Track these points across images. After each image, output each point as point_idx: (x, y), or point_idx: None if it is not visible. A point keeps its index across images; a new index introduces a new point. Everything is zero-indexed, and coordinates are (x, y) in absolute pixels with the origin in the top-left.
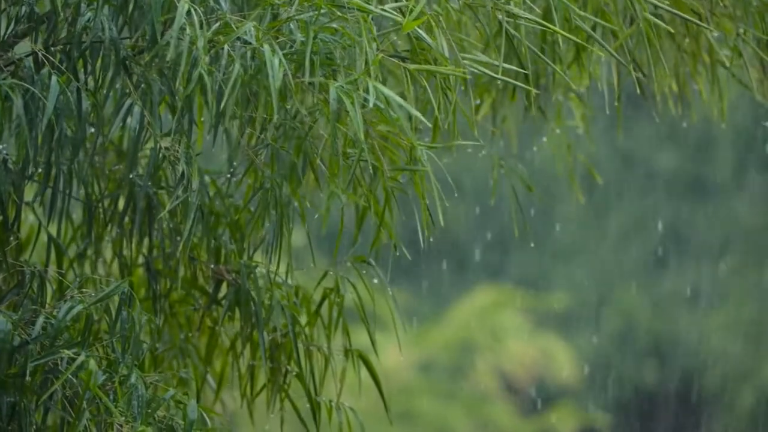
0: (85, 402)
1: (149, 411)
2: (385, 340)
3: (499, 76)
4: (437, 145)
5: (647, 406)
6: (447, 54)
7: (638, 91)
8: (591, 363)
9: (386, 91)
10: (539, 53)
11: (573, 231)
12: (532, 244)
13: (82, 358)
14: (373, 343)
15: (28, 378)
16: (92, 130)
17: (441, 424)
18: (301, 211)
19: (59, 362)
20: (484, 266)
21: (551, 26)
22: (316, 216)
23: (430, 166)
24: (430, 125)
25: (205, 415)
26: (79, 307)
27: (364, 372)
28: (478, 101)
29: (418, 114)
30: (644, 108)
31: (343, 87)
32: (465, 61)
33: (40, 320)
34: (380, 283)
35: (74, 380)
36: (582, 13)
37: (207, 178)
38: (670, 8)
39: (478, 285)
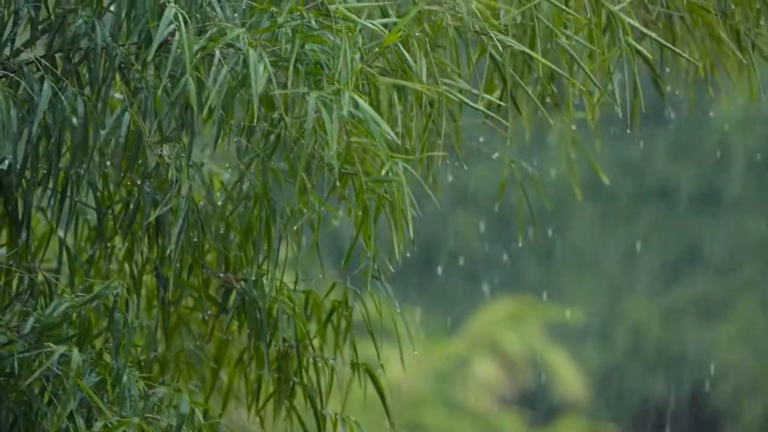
0: (71, 396)
1: (141, 409)
2: (394, 352)
3: (479, 107)
4: (410, 158)
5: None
6: (424, 76)
7: (658, 92)
8: (599, 374)
9: (363, 104)
10: (519, 80)
11: (585, 243)
12: (539, 253)
13: (63, 349)
14: (379, 358)
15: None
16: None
17: None
18: (309, 223)
19: (45, 358)
20: (497, 279)
21: (533, 53)
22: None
23: (405, 178)
24: (398, 141)
25: (197, 410)
26: (66, 304)
27: (371, 385)
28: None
29: (389, 130)
30: (659, 121)
31: (323, 97)
32: (444, 87)
33: (31, 320)
34: (390, 297)
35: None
36: (567, 32)
37: (208, 183)
38: (657, 37)
39: (490, 298)
